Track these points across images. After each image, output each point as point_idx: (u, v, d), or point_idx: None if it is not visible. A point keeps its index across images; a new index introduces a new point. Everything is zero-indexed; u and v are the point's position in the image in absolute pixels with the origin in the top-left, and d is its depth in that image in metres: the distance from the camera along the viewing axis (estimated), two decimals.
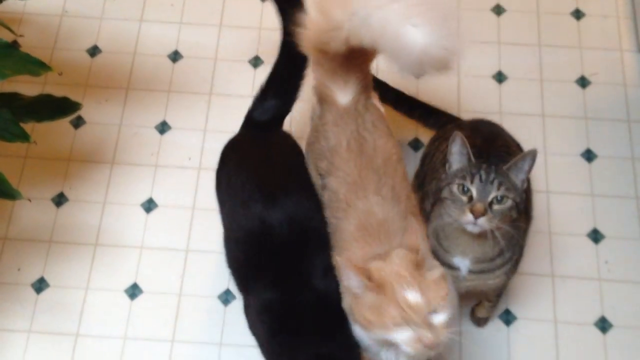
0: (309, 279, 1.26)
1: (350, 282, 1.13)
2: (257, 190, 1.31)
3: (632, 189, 1.72)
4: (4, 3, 1.53)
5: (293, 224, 1.28)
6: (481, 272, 1.31)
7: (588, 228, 1.67)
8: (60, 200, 1.71)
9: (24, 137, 1.38)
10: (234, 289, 1.44)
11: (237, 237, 1.32)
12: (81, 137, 1.79)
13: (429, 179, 1.40)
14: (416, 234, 1.15)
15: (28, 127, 1.41)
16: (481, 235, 1.23)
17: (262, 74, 1.86)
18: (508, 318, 1.58)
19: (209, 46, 1.91)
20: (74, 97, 1.56)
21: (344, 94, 1.36)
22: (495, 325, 1.57)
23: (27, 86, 1.64)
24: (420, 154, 1.65)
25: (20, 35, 1.89)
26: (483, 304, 1.51)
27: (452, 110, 1.67)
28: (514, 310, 1.58)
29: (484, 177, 1.19)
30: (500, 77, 1.87)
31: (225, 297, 1.60)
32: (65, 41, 1.91)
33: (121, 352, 1.54)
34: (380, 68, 1.64)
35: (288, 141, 1.44)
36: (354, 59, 1.34)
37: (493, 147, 1.34)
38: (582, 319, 1.57)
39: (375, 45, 1.25)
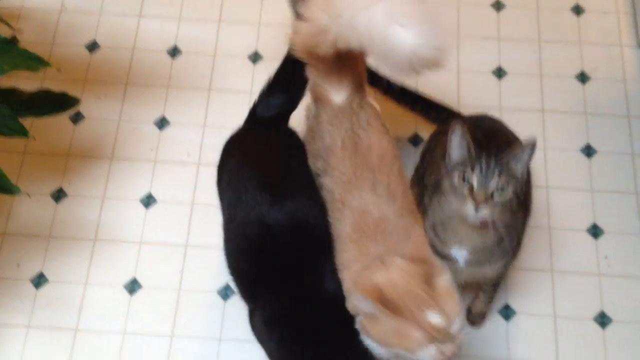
0: (318, 284, 1.22)
1: (363, 306, 1.10)
2: (260, 191, 1.27)
3: (632, 185, 1.72)
4: None
5: (298, 227, 1.24)
6: (479, 263, 1.31)
7: (588, 223, 1.67)
8: (59, 195, 1.71)
9: (23, 132, 1.38)
10: (233, 284, 1.43)
11: (239, 243, 1.28)
12: (80, 133, 1.79)
13: (429, 173, 1.40)
14: (422, 244, 1.14)
15: (27, 122, 1.41)
16: (481, 227, 1.23)
17: (262, 69, 1.87)
18: (507, 313, 1.58)
19: (208, 42, 1.90)
20: (72, 92, 1.55)
21: (338, 93, 1.35)
22: (495, 320, 1.57)
23: (26, 82, 1.64)
24: (419, 149, 1.65)
25: (19, 31, 1.89)
26: (479, 296, 1.51)
27: (452, 105, 1.67)
28: (514, 305, 1.58)
29: (484, 166, 1.19)
30: (500, 73, 1.87)
31: (225, 292, 1.60)
32: (64, 37, 1.91)
33: (120, 347, 1.54)
34: None
35: (293, 138, 1.41)
36: (347, 60, 1.33)
37: (494, 142, 1.34)
38: (581, 314, 1.57)
39: (363, 48, 1.22)
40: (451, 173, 1.22)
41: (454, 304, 1.09)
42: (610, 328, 1.56)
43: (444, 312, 1.07)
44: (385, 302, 1.07)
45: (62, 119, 1.79)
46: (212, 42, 1.90)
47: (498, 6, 1.96)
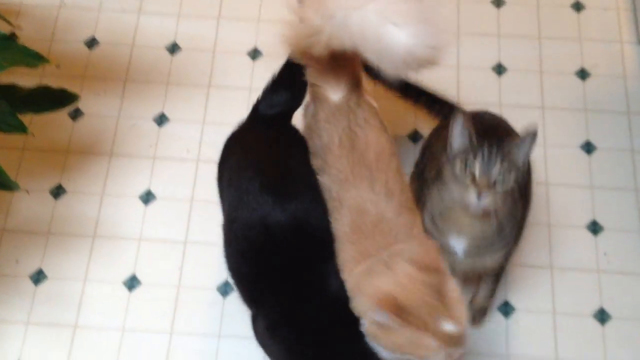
0: (320, 286, 1.21)
1: (377, 317, 1.10)
2: (263, 193, 1.24)
3: (632, 181, 1.71)
4: None
5: (301, 229, 1.23)
6: (479, 253, 1.30)
7: (587, 220, 1.67)
8: (58, 192, 1.71)
9: (22, 128, 1.38)
10: (235, 287, 1.42)
11: (241, 246, 1.26)
12: (79, 129, 1.78)
13: (429, 169, 1.40)
14: (431, 249, 1.14)
15: (26, 119, 1.41)
16: (483, 216, 1.22)
17: (261, 66, 1.87)
18: (507, 309, 1.58)
19: (208, 38, 1.90)
20: (71, 89, 1.55)
21: (335, 91, 1.35)
22: (494, 316, 1.57)
23: (25, 78, 1.63)
24: (419, 146, 1.65)
25: (18, 27, 1.89)
26: (480, 290, 1.51)
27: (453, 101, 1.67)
28: (513, 301, 1.58)
29: (487, 153, 1.18)
30: (499, 69, 1.86)
31: (224, 289, 1.60)
32: (63, 33, 1.91)
33: (119, 344, 1.54)
34: None
35: (297, 137, 1.39)
36: (343, 59, 1.32)
37: (495, 135, 1.33)
38: (580, 311, 1.57)
39: (357, 48, 1.20)
40: (453, 161, 1.21)
41: (463, 310, 1.10)
42: (609, 324, 1.56)
43: (457, 319, 1.09)
44: (400, 313, 1.08)
45: (61, 116, 1.78)
46: (212, 39, 1.90)
47: (498, 3, 1.96)
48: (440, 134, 1.43)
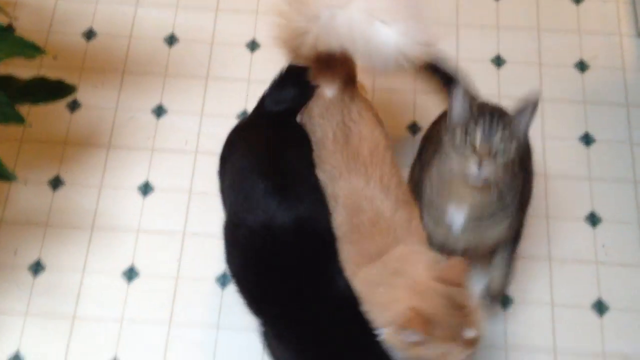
0: (331, 291, 1.19)
1: (408, 337, 1.10)
2: (268, 196, 1.21)
3: (630, 173, 1.71)
4: None
5: (307, 232, 1.20)
6: (480, 225, 1.26)
7: (586, 212, 1.67)
8: (56, 183, 1.70)
9: (19, 119, 1.37)
10: (237, 288, 1.39)
11: (246, 254, 1.23)
12: (77, 121, 1.78)
13: (430, 151, 1.36)
14: (458, 270, 1.13)
15: (24, 110, 1.41)
16: (482, 188, 1.20)
17: (259, 57, 1.86)
18: (505, 301, 1.58)
19: (206, 30, 1.89)
20: (69, 80, 1.54)
21: (329, 87, 1.34)
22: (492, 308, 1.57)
23: (22, 70, 1.63)
24: (418, 138, 1.64)
25: (15, 19, 1.88)
26: (493, 274, 1.47)
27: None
28: (511, 293, 1.58)
29: (487, 122, 1.15)
30: (498, 61, 1.86)
31: (223, 280, 1.60)
32: (61, 24, 1.90)
33: (118, 335, 1.54)
34: None
35: (302, 134, 1.35)
36: (335, 58, 1.30)
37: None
38: (579, 302, 1.57)
39: (345, 49, 1.17)
40: (453, 131, 1.18)
41: (480, 315, 1.13)
42: (607, 316, 1.56)
43: (477, 324, 1.11)
44: (429, 328, 1.08)
45: (59, 107, 1.78)
46: (210, 30, 1.89)
47: None
48: (442, 118, 1.41)
